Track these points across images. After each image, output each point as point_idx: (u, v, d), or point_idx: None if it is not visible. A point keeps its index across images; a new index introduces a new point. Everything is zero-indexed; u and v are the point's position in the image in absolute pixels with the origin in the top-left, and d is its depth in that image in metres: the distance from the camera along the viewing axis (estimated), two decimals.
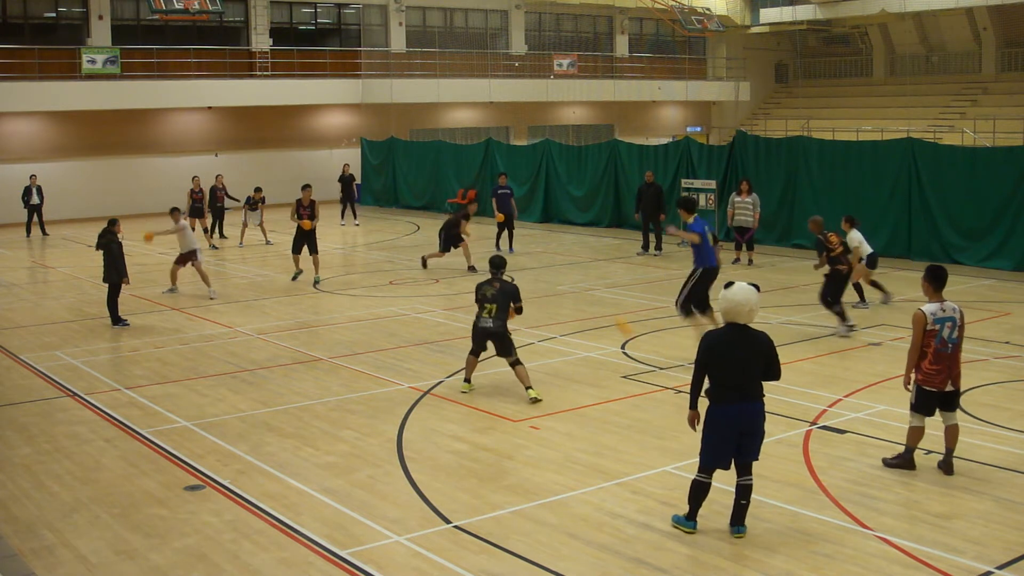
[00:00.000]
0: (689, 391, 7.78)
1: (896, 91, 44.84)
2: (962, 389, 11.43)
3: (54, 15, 34.11)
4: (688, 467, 9.21)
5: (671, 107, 47.46)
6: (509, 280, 12.21)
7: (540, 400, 11.41)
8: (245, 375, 12.89)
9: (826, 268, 14.71)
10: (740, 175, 23.02)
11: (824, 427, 10.31)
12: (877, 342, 13.93)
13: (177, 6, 32.18)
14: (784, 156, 23.51)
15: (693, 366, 7.74)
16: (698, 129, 46.85)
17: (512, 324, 15.38)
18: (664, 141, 31.77)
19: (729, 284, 7.67)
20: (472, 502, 8.53)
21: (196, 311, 17.20)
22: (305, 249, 19.59)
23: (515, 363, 11.64)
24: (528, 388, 11.53)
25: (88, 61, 32.25)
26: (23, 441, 10.40)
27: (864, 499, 8.38)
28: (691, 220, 13.41)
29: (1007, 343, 13.83)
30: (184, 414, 11.21)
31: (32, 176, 29.00)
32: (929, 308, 8.86)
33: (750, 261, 20.82)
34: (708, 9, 45.11)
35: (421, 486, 8.90)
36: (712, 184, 23.90)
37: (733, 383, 7.55)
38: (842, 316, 14.44)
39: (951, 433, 8.97)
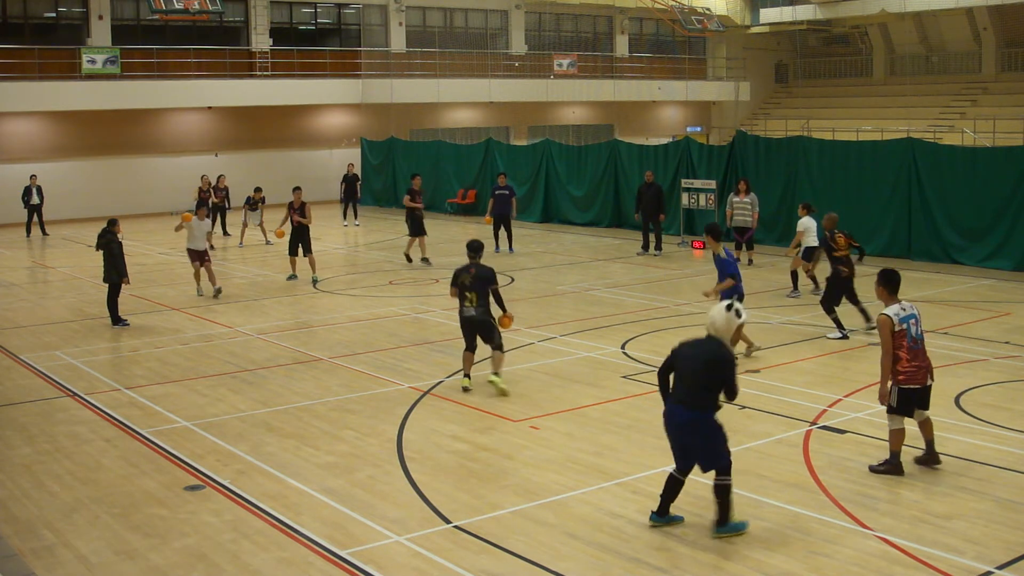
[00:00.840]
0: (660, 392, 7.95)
1: (896, 91, 44.84)
2: (963, 389, 11.52)
3: (54, 15, 34.10)
4: None
5: (671, 107, 47.45)
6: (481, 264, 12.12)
7: (506, 393, 11.54)
8: (245, 375, 12.89)
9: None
10: (740, 175, 23.01)
11: (824, 427, 10.30)
12: (877, 342, 13.90)
13: (177, 6, 32.17)
14: (784, 156, 23.50)
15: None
16: (698, 129, 46.84)
17: (512, 324, 15.43)
18: (664, 141, 31.76)
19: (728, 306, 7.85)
20: (472, 502, 8.53)
21: (196, 311, 17.20)
22: (301, 250, 19.63)
23: (496, 347, 11.76)
24: (495, 373, 11.69)
25: (88, 61, 32.25)
26: (23, 441, 10.40)
27: (864, 499, 8.37)
28: (721, 251, 12.83)
29: (1007, 343, 13.83)
30: (184, 414, 11.21)
31: (32, 176, 29.00)
32: (892, 310, 8.85)
33: (750, 261, 20.80)
34: (708, 9, 45.11)
35: (421, 486, 8.90)
36: (712, 184, 23.89)
37: (681, 385, 7.72)
38: (838, 324, 14.28)
39: (927, 426, 9.06)
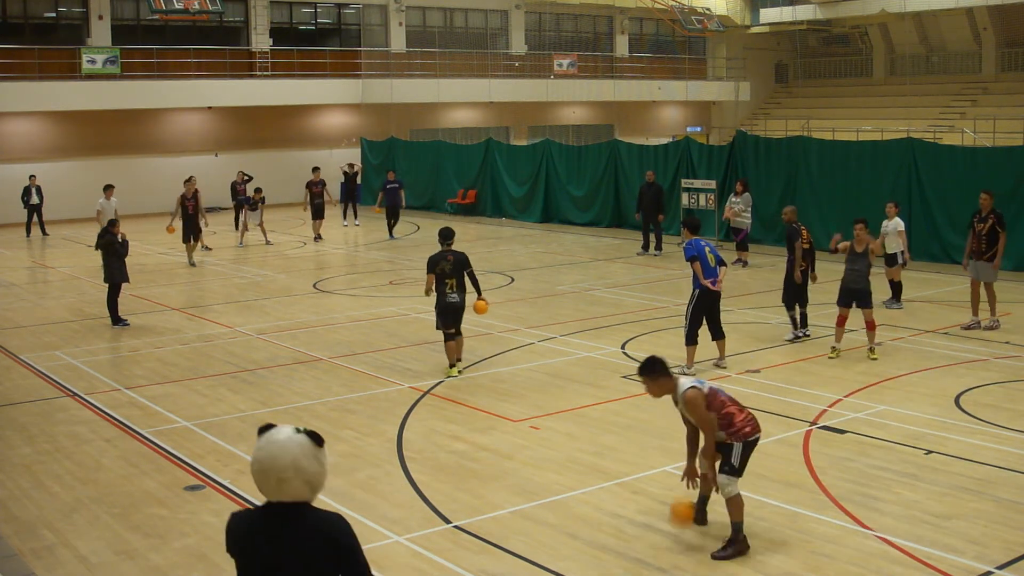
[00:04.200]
0: None
1: (896, 91, 44.85)
2: (963, 389, 11.52)
3: (54, 15, 34.10)
4: None
5: (671, 107, 47.44)
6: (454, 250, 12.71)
7: (456, 376, 12.39)
8: (245, 375, 12.89)
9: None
10: (740, 175, 23.03)
11: (824, 427, 10.30)
12: (877, 342, 13.91)
13: (177, 6, 32.18)
14: (784, 156, 23.50)
15: None
16: (698, 129, 46.83)
17: (512, 324, 15.45)
18: (664, 141, 31.76)
19: (264, 428, 4.01)
20: (472, 502, 8.53)
21: (196, 311, 17.20)
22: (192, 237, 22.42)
23: (459, 332, 12.45)
24: (452, 365, 12.49)
25: (88, 61, 32.25)
26: (23, 441, 10.40)
27: (864, 499, 8.37)
28: (689, 239, 12.81)
29: (1007, 343, 13.82)
30: (184, 414, 11.21)
31: (32, 176, 28.97)
32: (694, 382, 7.49)
33: (743, 262, 20.73)
34: (708, 9, 45.11)
35: (421, 486, 8.90)
36: (712, 184, 23.90)
37: None
38: (794, 323, 14.09)
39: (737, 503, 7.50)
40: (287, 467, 3.89)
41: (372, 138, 36.58)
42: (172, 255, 23.89)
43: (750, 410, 7.62)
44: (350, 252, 24.92)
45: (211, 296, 18.75)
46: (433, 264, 12.24)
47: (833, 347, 13.16)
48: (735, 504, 7.40)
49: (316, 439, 3.96)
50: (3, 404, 11.79)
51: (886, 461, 9.27)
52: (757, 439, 7.50)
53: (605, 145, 28.41)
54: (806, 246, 14.03)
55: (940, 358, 13.00)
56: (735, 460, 7.38)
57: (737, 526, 7.41)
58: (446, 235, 12.55)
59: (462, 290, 12.22)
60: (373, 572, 7.27)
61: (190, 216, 22.21)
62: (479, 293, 12.43)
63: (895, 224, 16.26)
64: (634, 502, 8.43)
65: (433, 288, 12.27)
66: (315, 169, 27.29)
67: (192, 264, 22.21)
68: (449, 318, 12.30)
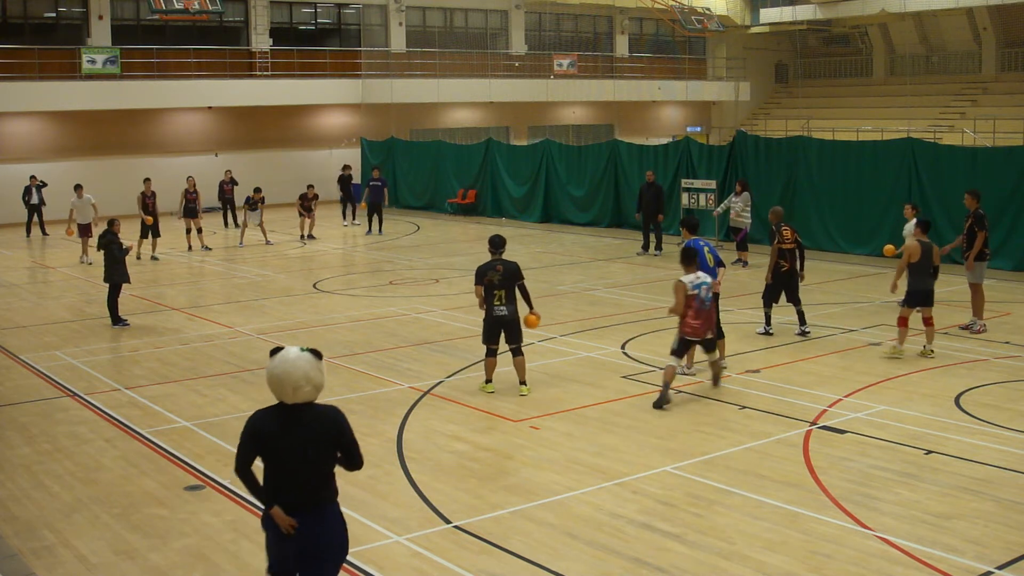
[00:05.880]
0: (249, 487, 5.54)
1: (896, 91, 44.85)
2: (963, 389, 11.52)
3: (54, 15, 34.10)
4: (688, 467, 9.22)
5: (671, 107, 47.45)
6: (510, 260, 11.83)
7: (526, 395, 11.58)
8: (245, 375, 12.88)
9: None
10: (740, 175, 23.05)
11: (824, 427, 10.30)
12: (877, 342, 13.92)
13: (177, 6, 32.18)
14: (784, 156, 23.50)
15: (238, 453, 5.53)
16: (698, 129, 46.85)
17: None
18: (664, 141, 31.77)
19: (276, 350, 5.47)
20: (472, 502, 8.53)
21: (196, 311, 17.20)
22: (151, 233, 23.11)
23: (517, 351, 11.56)
24: (522, 383, 11.62)
25: (88, 61, 32.25)
26: (23, 441, 10.40)
27: (864, 499, 8.37)
28: (688, 239, 12.59)
29: (1007, 343, 13.83)
30: (184, 414, 11.21)
31: (32, 176, 28.96)
32: (687, 278, 11.01)
33: (742, 262, 20.72)
34: (708, 9, 45.11)
35: (421, 486, 8.90)
36: (712, 184, 23.91)
37: (285, 483, 5.45)
38: (767, 320, 14.29)
39: (715, 365, 11.60)
40: (300, 378, 5.32)
41: (372, 138, 36.57)
42: (172, 255, 23.90)
43: (708, 322, 11.09)
44: (350, 252, 24.92)
45: (211, 296, 18.75)
46: (481, 275, 11.41)
47: (894, 347, 13.23)
48: (666, 371, 11.11)
49: (317, 355, 5.39)
50: (3, 404, 11.79)
51: (886, 461, 9.27)
52: (693, 340, 11.14)
53: (605, 145, 28.40)
54: (789, 246, 14.14)
55: (940, 358, 13.00)
56: (674, 343, 11.27)
57: (665, 384, 11.05)
58: (496, 243, 11.57)
59: (512, 302, 11.39)
60: (372, 572, 7.30)
61: (149, 214, 23.01)
62: (530, 306, 11.54)
63: (910, 227, 16.10)
64: (634, 502, 8.43)
65: (483, 300, 11.50)
66: (309, 186, 27.10)
67: (154, 258, 23.08)
68: (495, 332, 11.49)
